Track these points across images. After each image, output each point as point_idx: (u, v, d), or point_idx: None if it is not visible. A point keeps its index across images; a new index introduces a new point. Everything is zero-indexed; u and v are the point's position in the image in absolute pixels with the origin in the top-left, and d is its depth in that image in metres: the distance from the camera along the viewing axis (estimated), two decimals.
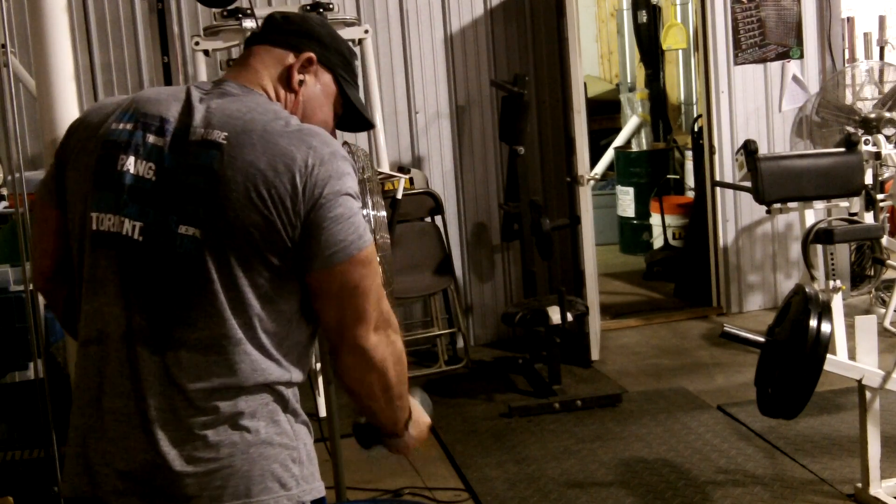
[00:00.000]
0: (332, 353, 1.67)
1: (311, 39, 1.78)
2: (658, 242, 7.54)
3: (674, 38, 7.76)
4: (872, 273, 5.75)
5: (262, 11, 4.84)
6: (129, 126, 1.64)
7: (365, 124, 1.92)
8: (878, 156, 5.30)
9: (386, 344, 1.66)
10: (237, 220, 1.55)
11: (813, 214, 4.89)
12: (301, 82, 1.75)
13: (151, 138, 1.62)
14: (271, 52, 1.76)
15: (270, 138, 1.58)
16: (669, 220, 7.31)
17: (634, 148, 8.15)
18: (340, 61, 1.82)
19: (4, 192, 4.46)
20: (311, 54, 1.76)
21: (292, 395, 1.67)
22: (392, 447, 1.85)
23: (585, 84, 5.63)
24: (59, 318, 1.87)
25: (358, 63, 2.03)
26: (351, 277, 1.60)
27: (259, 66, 1.74)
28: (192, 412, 1.57)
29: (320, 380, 4.09)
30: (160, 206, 1.59)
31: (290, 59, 1.75)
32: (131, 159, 1.61)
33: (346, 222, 1.58)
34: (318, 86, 1.79)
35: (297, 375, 1.66)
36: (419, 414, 1.87)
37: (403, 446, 1.84)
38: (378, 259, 1.66)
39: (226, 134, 1.58)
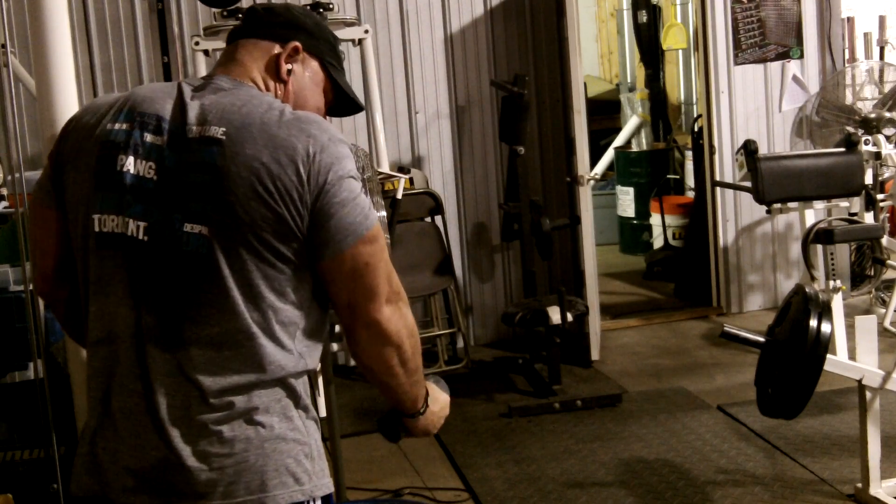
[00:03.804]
0: (347, 333, 1.68)
1: (297, 29, 1.79)
2: (658, 242, 7.54)
3: (674, 38, 7.76)
4: (872, 273, 5.75)
5: None
6: (125, 126, 1.64)
7: (355, 107, 1.93)
8: (878, 156, 5.30)
9: (399, 316, 1.67)
10: (246, 214, 1.56)
11: (813, 214, 4.89)
12: (289, 72, 1.77)
13: (149, 137, 1.62)
14: (258, 44, 1.76)
15: (269, 130, 1.59)
16: (669, 220, 7.31)
17: (634, 148, 8.15)
18: (327, 48, 1.83)
19: (4, 192, 4.45)
20: (297, 43, 1.77)
21: (303, 389, 1.67)
22: (416, 429, 1.85)
23: (585, 84, 5.63)
24: (61, 320, 1.86)
25: (344, 50, 2.03)
26: (360, 258, 1.61)
27: (247, 59, 1.75)
28: (206, 408, 1.58)
29: (320, 380, 4.09)
30: (163, 205, 1.59)
31: (277, 49, 1.76)
32: (131, 159, 1.61)
33: (351, 204, 1.60)
34: (307, 74, 1.80)
35: (311, 363, 1.67)
36: (436, 391, 1.88)
37: (427, 424, 1.84)
38: (384, 237, 1.69)
39: (224, 129, 1.59)
